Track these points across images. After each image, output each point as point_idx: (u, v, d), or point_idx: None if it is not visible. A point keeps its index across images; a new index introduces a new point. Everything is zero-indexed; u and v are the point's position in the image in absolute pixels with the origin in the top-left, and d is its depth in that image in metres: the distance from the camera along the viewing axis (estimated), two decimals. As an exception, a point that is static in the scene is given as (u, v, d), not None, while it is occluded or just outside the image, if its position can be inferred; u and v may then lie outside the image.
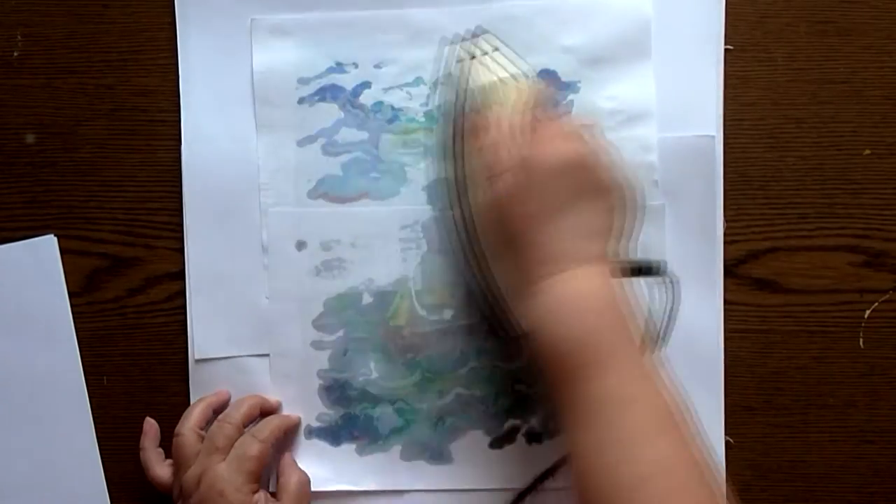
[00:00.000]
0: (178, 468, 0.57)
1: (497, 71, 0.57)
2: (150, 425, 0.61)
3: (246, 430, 0.58)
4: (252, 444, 0.57)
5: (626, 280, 0.53)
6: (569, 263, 0.49)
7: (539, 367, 0.50)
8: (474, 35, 0.59)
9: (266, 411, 0.60)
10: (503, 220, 0.52)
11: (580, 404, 0.47)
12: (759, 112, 0.60)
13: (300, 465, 0.60)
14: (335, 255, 0.61)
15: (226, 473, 0.55)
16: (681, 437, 0.46)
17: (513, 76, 0.57)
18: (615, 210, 0.52)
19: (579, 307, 0.48)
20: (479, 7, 0.60)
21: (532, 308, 0.50)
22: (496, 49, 0.58)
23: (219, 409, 0.60)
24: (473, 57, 0.58)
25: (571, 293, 0.49)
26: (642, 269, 0.56)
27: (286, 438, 0.60)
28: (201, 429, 0.58)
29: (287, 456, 0.60)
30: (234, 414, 0.58)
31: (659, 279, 0.57)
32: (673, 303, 0.58)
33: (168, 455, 0.60)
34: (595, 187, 0.51)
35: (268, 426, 0.58)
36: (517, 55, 0.59)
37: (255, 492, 0.56)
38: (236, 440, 0.57)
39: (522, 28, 0.60)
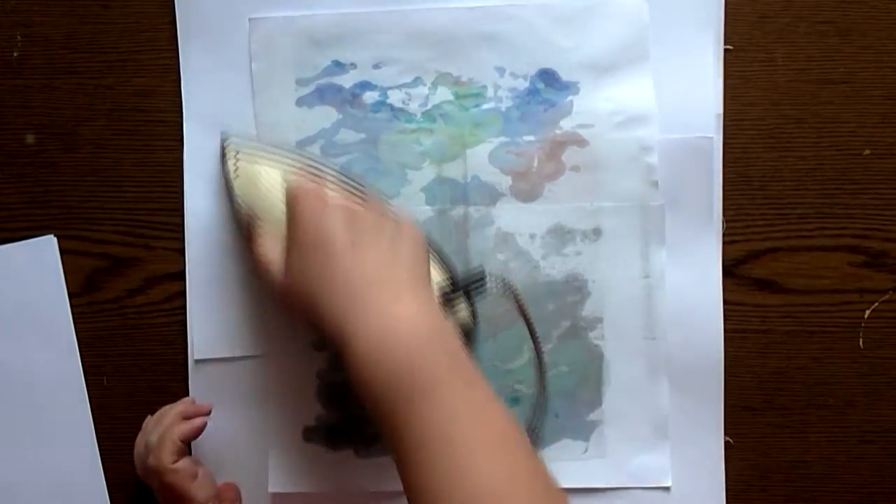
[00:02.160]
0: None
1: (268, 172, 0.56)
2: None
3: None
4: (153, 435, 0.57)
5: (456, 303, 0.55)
6: (380, 290, 0.49)
7: (360, 388, 0.48)
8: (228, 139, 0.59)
9: (192, 415, 0.59)
10: (304, 293, 0.51)
11: (410, 427, 0.45)
12: (759, 112, 0.60)
13: (299, 465, 0.61)
14: (335, 255, 0.61)
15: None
16: (516, 456, 0.46)
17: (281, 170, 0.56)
18: (420, 242, 0.53)
19: (399, 338, 0.47)
20: (479, 7, 0.60)
21: (350, 348, 0.48)
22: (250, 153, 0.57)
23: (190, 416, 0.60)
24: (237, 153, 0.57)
25: (388, 324, 0.48)
26: (458, 287, 0.56)
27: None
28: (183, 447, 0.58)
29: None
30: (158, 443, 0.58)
31: (489, 288, 0.57)
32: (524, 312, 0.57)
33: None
34: (393, 225, 0.53)
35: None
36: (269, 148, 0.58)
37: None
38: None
39: (522, 28, 0.60)
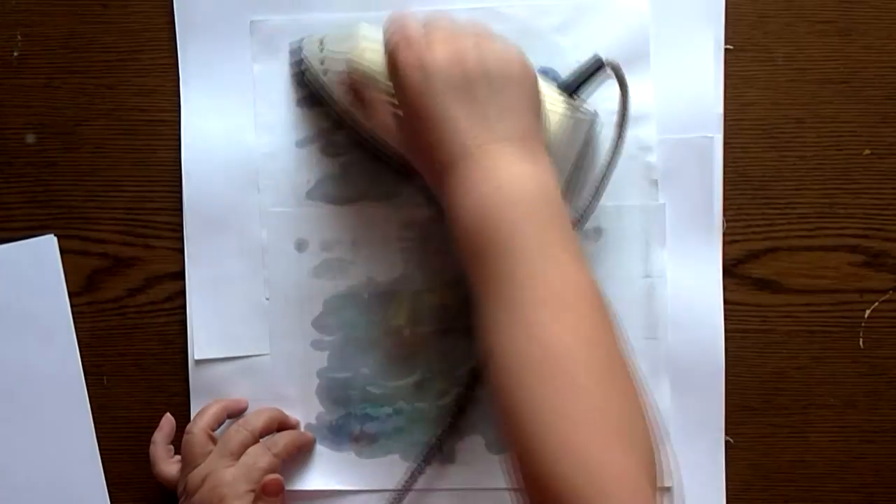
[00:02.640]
0: (185, 465, 0.57)
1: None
2: (167, 421, 0.61)
3: (261, 440, 0.59)
4: (264, 456, 0.57)
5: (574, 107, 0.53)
6: (484, 148, 0.47)
7: (456, 246, 0.48)
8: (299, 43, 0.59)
9: (283, 427, 0.60)
10: (413, 109, 0.49)
11: (492, 282, 0.46)
12: (759, 112, 0.60)
13: (301, 464, 0.61)
14: (335, 255, 0.61)
15: (231, 479, 0.55)
16: (593, 317, 0.45)
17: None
18: (530, 84, 0.50)
19: (501, 187, 0.47)
20: (478, 7, 0.60)
21: (452, 188, 0.48)
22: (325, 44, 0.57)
23: (234, 415, 0.60)
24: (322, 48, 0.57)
25: (487, 189, 0.47)
26: (579, 80, 0.54)
27: (298, 456, 0.60)
28: (213, 430, 0.59)
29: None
30: (254, 422, 0.59)
31: (601, 76, 0.54)
32: (625, 97, 0.54)
33: (177, 451, 0.60)
34: (501, 65, 0.49)
35: (282, 440, 0.59)
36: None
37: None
38: (249, 448, 0.58)
39: (521, 28, 0.60)
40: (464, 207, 0.47)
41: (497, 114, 0.48)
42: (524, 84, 0.50)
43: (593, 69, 0.54)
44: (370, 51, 0.54)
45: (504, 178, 0.47)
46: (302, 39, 0.59)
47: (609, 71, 0.54)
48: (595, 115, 0.56)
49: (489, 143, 0.48)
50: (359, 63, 0.54)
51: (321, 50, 0.57)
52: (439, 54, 0.49)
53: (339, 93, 0.57)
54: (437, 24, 0.51)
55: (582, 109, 0.54)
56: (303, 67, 0.59)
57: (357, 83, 0.55)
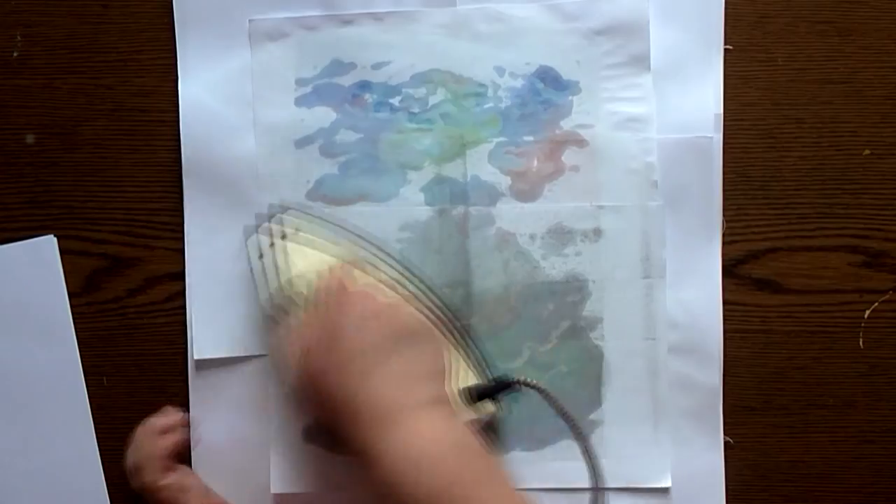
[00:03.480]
0: None
1: (306, 254, 0.55)
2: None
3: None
4: (156, 440, 0.59)
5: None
6: (405, 412, 0.48)
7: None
8: (275, 214, 0.58)
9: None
10: (321, 395, 0.50)
11: None
12: (759, 112, 0.60)
13: (301, 465, 0.61)
14: (335, 255, 0.61)
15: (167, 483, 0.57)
16: None
17: (321, 254, 0.56)
18: (438, 351, 0.51)
19: (432, 457, 0.47)
20: (479, 7, 0.60)
21: (381, 468, 0.47)
22: (297, 230, 0.57)
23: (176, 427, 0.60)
24: (284, 237, 0.56)
25: (420, 445, 0.47)
26: (492, 389, 0.53)
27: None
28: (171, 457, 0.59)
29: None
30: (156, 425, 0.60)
31: (517, 389, 0.53)
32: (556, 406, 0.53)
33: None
34: (409, 332, 0.51)
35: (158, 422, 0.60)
36: (321, 223, 0.58)
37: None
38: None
39: (522, 28, 0.60)
40: (394, 468, 0.47)
41: (415, 378, 0.49)
42: (437, 353, 0.52)
43: (502, 387, 0.53)
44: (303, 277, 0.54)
45: (431, 437, 0.47)
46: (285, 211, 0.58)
47: (522, 389, 0.53)
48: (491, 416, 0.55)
49: (411, 407, 0.48)
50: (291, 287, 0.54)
51: (278, 239, 0.56)
52: (352, 321, 0.50)
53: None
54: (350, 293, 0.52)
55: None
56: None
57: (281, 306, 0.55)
